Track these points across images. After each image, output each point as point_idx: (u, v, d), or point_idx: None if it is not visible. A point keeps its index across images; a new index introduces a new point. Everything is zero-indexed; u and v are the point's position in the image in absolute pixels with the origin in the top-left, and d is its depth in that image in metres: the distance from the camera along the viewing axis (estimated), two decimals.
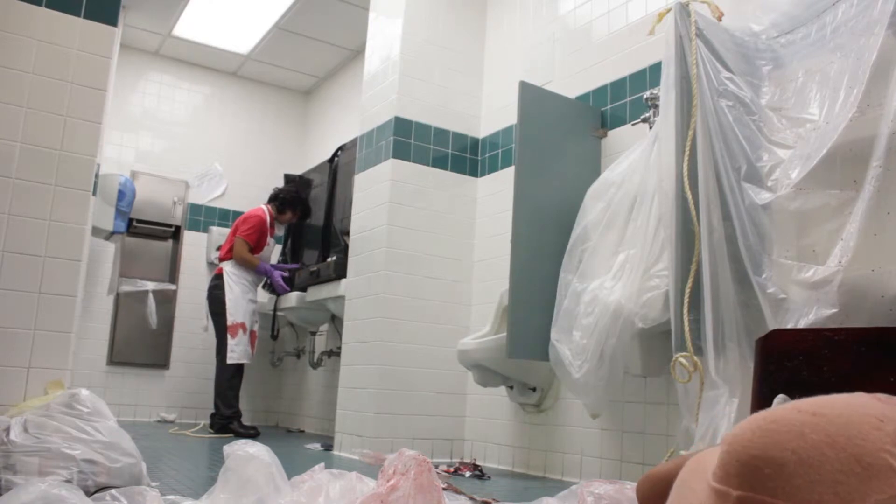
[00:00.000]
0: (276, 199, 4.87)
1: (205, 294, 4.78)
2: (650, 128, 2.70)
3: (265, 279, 4.87)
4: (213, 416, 4.53)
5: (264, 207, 4.82)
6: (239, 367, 4.50)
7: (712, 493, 0.74)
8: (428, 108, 3.86)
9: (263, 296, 5.41)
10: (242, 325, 4.48)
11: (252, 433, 4.31)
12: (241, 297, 4.53)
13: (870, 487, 0.71)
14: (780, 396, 1.15)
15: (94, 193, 2.52)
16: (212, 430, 4.47)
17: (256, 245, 4.65)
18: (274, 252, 5.07)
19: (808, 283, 1.63)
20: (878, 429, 0.76)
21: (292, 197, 4.90)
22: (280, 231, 5.05)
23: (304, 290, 4.86)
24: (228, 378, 4.46)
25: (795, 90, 1.96)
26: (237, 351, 4.44)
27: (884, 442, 0.74)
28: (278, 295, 5.12)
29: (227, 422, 4.43)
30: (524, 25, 3.81)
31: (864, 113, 1.63)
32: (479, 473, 2.99)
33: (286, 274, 4.96)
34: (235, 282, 4.54)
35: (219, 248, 5.60)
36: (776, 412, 0.78)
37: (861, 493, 0.70)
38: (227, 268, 4.58)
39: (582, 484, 1.64)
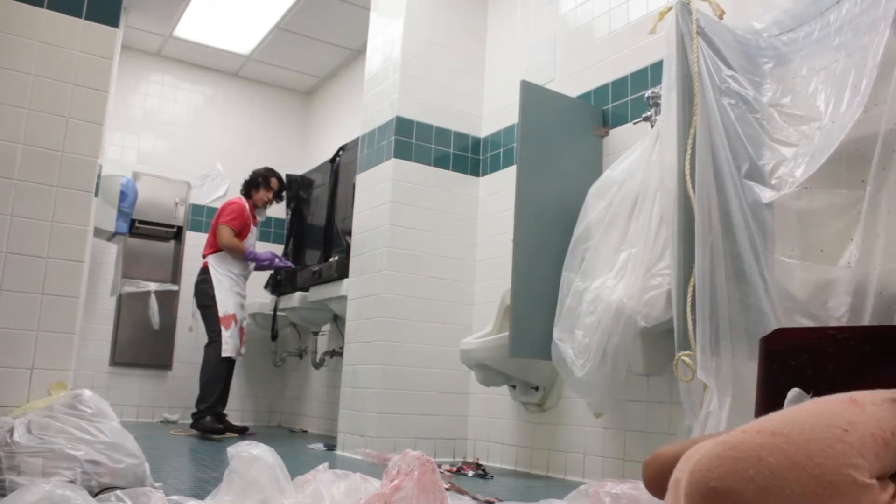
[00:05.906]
0: (242, 187, 4.77)
1: None
2: (652, 126, 2.69)
3: (253, 270, 4.72)
4: (193, 414, 4.38)
5: (241, 196, 4.73)
6: (228, 362, 4.35)
7: None
8: (429, 108, 3.85)
9: (265, 295, 5.42)
10: (234, 317, 4.38)
11: (219, 429, 4.19)
12: (229, 289, 4.43)
13: None
14: (795, 391, 1.14)
15: (97, 194, 2.52)
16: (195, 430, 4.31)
17: (240, 233, 4.53)
18: (257, 245, 4.89)
19: (812, 282, 1.63)
20: (842, 440, 0.74)
21: (252, 176, 4.76)
22: (261, 216, 4.84)
23: (306, 290, 4.85)
24: (213, 371, 4.30)
25: (798, 88, 1.95)
26: (230, 344, 4.32)
27: (847, 456, 0.73)
28: (279, 295, 5.11)
29: (200, 416, 4.26)
30: (525, 24, 3.81)
31: (869, 112, 1.62)
32: (482, 473, 2.99)
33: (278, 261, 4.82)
34: (222, 274, 4.45)
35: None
36: (735, 436, 0.76)
37: None
38: (212, 261, 4.48)
39: (594, 484, 1.63)
